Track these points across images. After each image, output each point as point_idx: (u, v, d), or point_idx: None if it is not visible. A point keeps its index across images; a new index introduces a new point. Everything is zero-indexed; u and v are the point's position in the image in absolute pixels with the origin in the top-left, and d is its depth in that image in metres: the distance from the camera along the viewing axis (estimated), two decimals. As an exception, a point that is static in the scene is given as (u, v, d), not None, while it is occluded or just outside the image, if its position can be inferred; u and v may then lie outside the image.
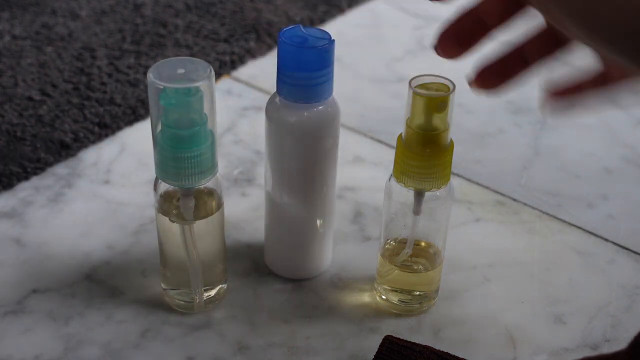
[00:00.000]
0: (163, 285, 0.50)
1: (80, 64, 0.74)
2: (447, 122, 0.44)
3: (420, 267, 0.49)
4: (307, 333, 0.49)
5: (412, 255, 0.49)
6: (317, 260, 0.52)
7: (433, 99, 0.43)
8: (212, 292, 0.50)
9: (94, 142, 0.64)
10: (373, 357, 0.45)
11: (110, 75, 0.72)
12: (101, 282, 0.51)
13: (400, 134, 0.45)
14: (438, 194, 0.46)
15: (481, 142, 0.67)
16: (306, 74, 0.44)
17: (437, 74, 0.44)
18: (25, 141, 0.63)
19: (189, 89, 0.41)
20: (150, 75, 0.41)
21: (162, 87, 0.41)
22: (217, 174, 0.46)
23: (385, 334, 0.46)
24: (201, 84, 0.41)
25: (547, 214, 0.59)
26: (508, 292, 0.52)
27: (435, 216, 0.47)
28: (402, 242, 0.49)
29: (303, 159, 0.47)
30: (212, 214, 0.47)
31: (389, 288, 0.50)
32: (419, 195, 0.46)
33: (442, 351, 0.45)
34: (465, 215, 0.59)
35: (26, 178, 0.60)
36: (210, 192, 0.47)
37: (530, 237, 0.57)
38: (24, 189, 0.59)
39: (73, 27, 0.80)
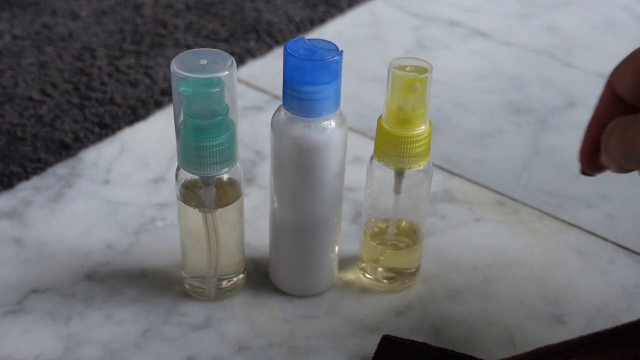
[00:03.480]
0: (183, 273, 0.51)
1: (81, 64, 0.74)
2: (425, 102, 0.45)
3: (403, 245, 0.51)
4: (307, 333, 0.49)
5: (395, 233, 0.51)
6: (323, 278, 0.51)
7: (409, 79, 0.45)
8: (231, 282, 0.50)
9: (94, 142, 0.64)
10: (372, 356, 0.45)
11: (110, 75, 0.72)
12: (101, 282, 0.52)
13: (381, 115, 0.47)
14: (417, 172, 0.48)
15: (481, 142, 0.67)
16: (314, 88, 0.43)
17: (418, 57, 0.46)
18: (25, 141, 0.63)
19: (211, 79, 0.42)
20: (173, 66, 0.42)
21: (183, 77, 0.42)
22: (238, 163, 0.46)
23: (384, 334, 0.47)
24: (222, 75, 0.42)
25: (547, 214, 0.59)
26: (508, 292, 0.52)
27: (415, 195, 0.49)
28: (384, 222, 0.51)
29: (312, 174, 0.46)
30: (232, 202, 0.47)
31: (381, 268, 0.52)
32: (399, 174, 0.48)
33: (441, 347, 0.45)
34: (465, 215, 0.59)
35: (26, 178, 0.60)
36: (231, 182, 0.47)
37: (530, 237, 0.57)
38: (24, 189, 0.59)
39: (73, 27, 0.80)
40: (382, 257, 0.51)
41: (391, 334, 0.47)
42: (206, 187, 0.46)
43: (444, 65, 0.75)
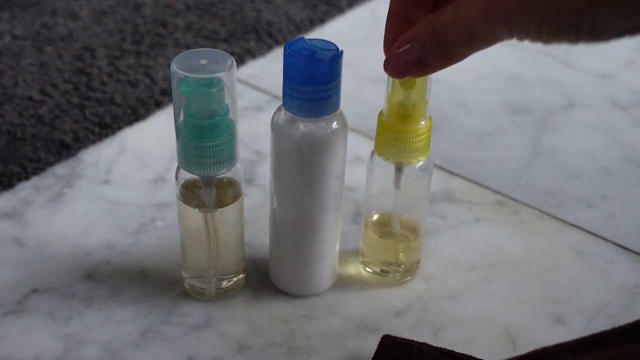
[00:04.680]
0: (183, 273, 0.51)
1: (81, 64, 0.74)
2: (425, 98, 0.46)
3: (405, 239, 0.52)
4: (307, 333, 0.49)
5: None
6: (323, 278, 0.51)
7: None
8: (231, 282, 0.50)
9: (94, 142, 0.64)
10: (372, 356, 0.45)
11: (110, 75, 0.72)
12: (101, 282, 0.52)
13: (381, 111, 0.47)
14: (417, 167, 0.48)
15: (481, 142, 0.67)
16: (315, 87, 0.43)
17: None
18: (25, 141, 0.63)
19: (211, 79, 0.42)
20: (173, 66, 0.42)
21: (183, 77, 0.42)
22: (238, 163, 0.46)
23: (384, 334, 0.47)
24: (222, 75, 0.43)
25: (547, 214, 0.59)
26: (508, 292, 0.52)
27: (415, 191, 0.49)
28: (385, 216, 0.51)
29: (312, 174, 0.46)
30: (232, 203, 0.48)
31: (382, 261, 0.52)
32: (398, 169, 0.48)
33: (441, 347, 0.45)
34: (465, 215, 0.59)
35: (26, 178, 0.60)
36: (231, 182, 0.48)
37: (530, 237, 0.57)
38: (24, 189, 0.59)
39: (73, 27, 0.80)
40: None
41: (391, 334, 0.47)
42: (206, 187, 0.46)
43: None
